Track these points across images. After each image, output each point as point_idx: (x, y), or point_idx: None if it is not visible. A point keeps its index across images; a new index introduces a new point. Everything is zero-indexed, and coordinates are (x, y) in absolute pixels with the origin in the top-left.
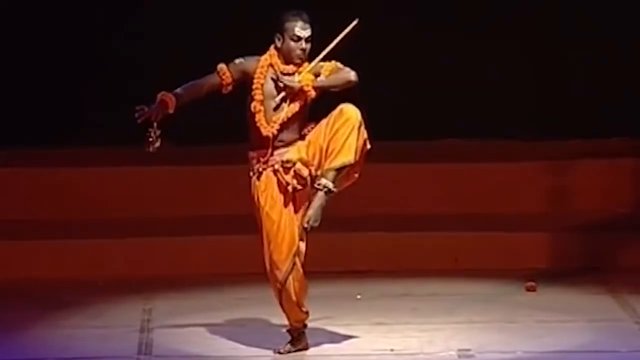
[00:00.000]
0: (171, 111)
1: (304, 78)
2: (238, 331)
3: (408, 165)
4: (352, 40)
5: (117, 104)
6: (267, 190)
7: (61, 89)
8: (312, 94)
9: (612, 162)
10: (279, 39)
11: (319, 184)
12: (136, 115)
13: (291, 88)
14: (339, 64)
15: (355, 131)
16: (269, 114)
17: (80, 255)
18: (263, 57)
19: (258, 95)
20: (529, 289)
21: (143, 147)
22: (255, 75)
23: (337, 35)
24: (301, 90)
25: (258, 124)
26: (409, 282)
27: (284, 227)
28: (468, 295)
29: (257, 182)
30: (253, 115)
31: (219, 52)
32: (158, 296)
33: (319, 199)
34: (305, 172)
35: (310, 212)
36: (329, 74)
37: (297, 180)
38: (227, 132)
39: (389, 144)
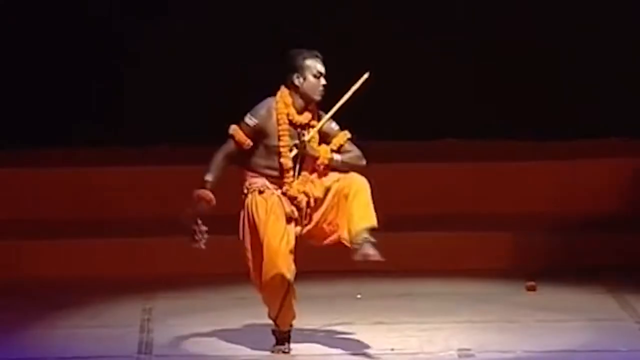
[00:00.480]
0: (213, 204)
1: (322, 153)
2: (238, 331)
3: (408, 165)
4: (355, 42)
5: (116, 104)
6: (273, 205)
7: (55, 91)
8: (324, 166)
9: (612, 161)
10: (298, 78)
11: (358, 241)
12: (197, 239)
13: (310, 155)
14: (348, 135)
15: (370, 199)
16: None
17: (80, 254)
18: (277, 108)
19: (286, 153)
20: (529, 289)
21: (190, 243)
22: (280, 134)
23: (349, 89)
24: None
25: (287, 180)
26: (409, 282)
27: (289, 231)
28: (468, 295)
29: (257, 197)
30: (282, 168)
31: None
32: (158, 296)
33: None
34: (304, 203)
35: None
36: (339, 147)
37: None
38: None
39: (389, 143)
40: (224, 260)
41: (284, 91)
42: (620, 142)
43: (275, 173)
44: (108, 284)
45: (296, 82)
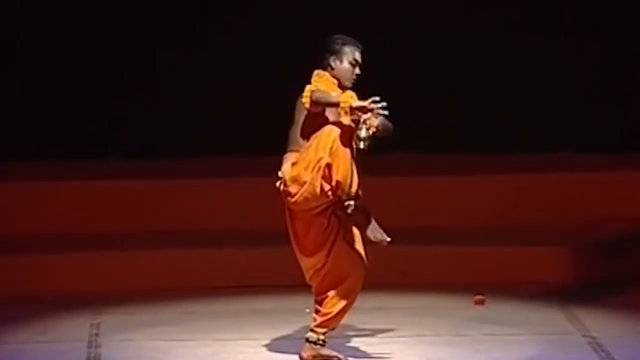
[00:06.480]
0: None
1: (343, 97)
2: (186, 345)
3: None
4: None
5: (62, 118)
6: None
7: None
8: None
9: (559, 175)
10: (334, 60)
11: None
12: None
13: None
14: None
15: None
16: None
17: (27, 269)
18: (316, 81)
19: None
20: (477, 302)
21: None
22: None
23: None
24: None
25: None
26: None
27: None
28: (416, 309)
29: None
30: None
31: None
32: (106, 311)
33: None
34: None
35: None
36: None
37: None
38: (174, 147)
39: None
40: (171, 274)
41: (319, 72)
42: (569, 157)
43: None
44: (56, 298)
45: (332, 64)
